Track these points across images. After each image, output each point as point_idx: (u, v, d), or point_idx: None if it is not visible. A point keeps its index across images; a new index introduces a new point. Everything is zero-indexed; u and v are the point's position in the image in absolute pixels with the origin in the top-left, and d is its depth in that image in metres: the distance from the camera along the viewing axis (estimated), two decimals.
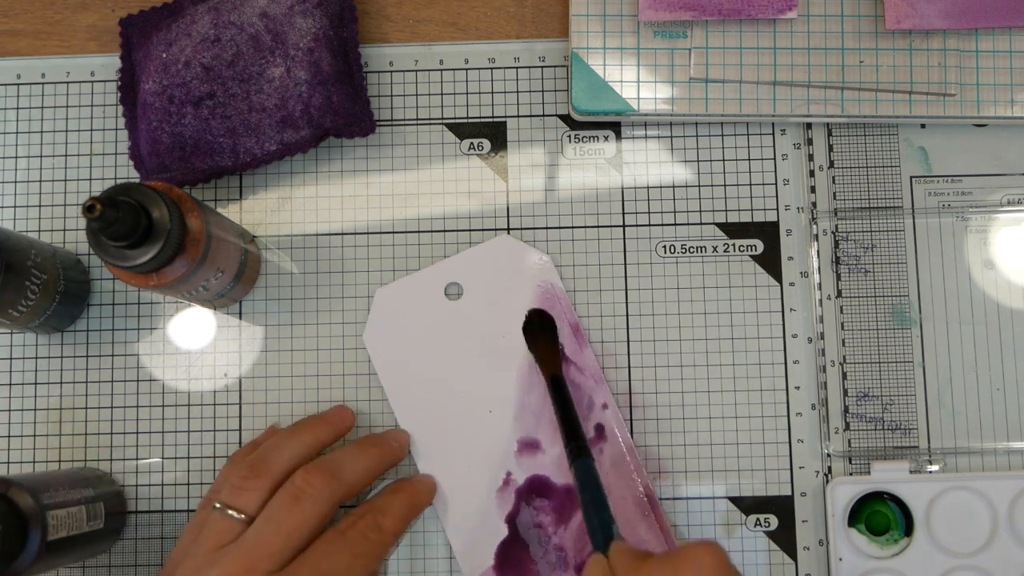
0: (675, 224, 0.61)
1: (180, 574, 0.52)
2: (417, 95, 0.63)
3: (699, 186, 0.62)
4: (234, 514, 0.52)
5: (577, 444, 0.54)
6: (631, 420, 0.60)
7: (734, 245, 0.61)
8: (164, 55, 0.59)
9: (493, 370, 0.59)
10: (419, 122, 0.63)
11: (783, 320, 0.61)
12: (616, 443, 0.59)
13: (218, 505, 0.53)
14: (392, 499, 0.56)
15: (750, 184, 0.62)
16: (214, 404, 0.61)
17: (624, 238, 0.61)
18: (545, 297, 0.60)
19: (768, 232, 0.61)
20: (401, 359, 0.60)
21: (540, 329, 0.59)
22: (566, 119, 0.62)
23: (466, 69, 0.63)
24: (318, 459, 0.55)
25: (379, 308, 0.60)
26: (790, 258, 0.61)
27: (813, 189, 0.61)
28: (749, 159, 0.62)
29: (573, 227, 0.62)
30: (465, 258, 0.61)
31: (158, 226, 0.49)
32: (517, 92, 0.63)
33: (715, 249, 0.61)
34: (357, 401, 0.61)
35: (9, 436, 0.61)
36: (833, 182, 0.61)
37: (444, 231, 0.62)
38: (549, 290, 0.60)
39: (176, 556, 0.53)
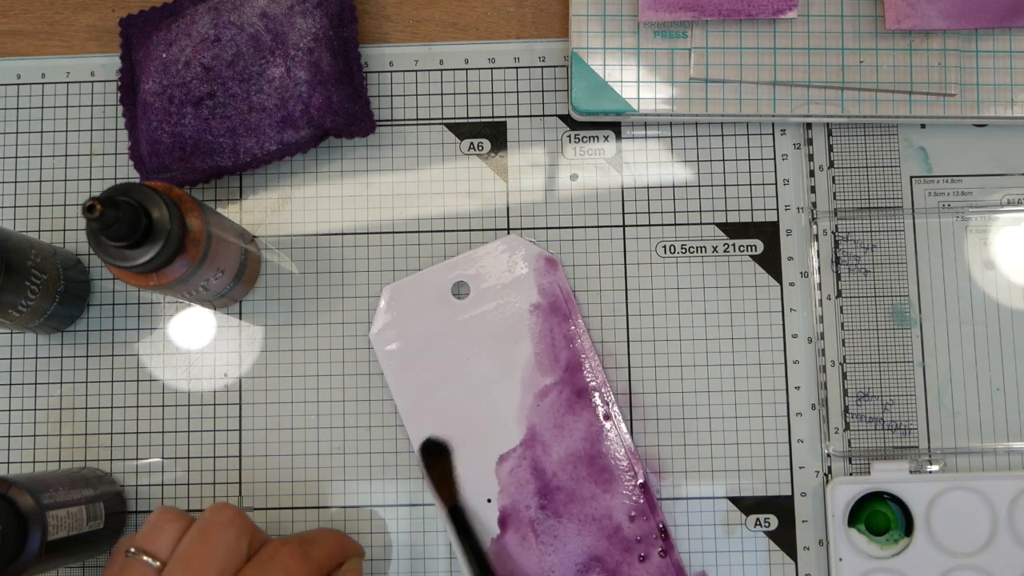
0: (675, 224, 0.61)
1: None
2: (417, 95, 0.63)
3: (699, 186, 0.62)
4: (149, 560, 0.48)
5: None
6: (631, 420, 0.60)
7: (734, 245, 0.61)
8: (164, 55, 0.59)
9: (498, 370, 0.59)
10: (419, 122, 0.63)
11: (783, 320, 0.61)
12: (617, 445, 0.59)
13: (132, 550, 0.49)
14: (322, 532, 0.53)
15: (750, 184, 0.62)
16: (214, 404, 0.61)
17: (624, 238, 0.61)
18: (551, 297, 0.60)
19: (768, 232, 0.61)
20: (407, 357, 0.60)
21: (437, 456, 0.59)
22: (566, 119, 0.62)
23: (466, 69, 0.63)
24: None
25: (386, 306, 0.60)
26: (790, 258, 0.61)
27: (813, 189, 0.61)
28: (749, 159, 0.62)
29: (573, 227, 0.62)
30: (472, 257, 0.61)
31: (158, 226, 0.49)
32: (517, 92, 0.63)
33: (715, 249, 0.61)
34: (357, 401, 0.61)
35: (9, 436, 0.61)
36: (833, 182, 0.61)
37: (444, 231, 0.62)
38: (555, 291, 0.60)
39: None
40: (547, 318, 0.60)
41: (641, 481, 0.58)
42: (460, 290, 0.61)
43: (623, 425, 0.59)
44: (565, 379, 0.59)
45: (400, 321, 0.60)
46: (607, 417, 0.59)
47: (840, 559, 0.58)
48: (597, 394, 0.59)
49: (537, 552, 0.58)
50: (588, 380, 0.59)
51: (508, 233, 0.61)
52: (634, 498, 0.58)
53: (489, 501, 0.59)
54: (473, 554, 0.56)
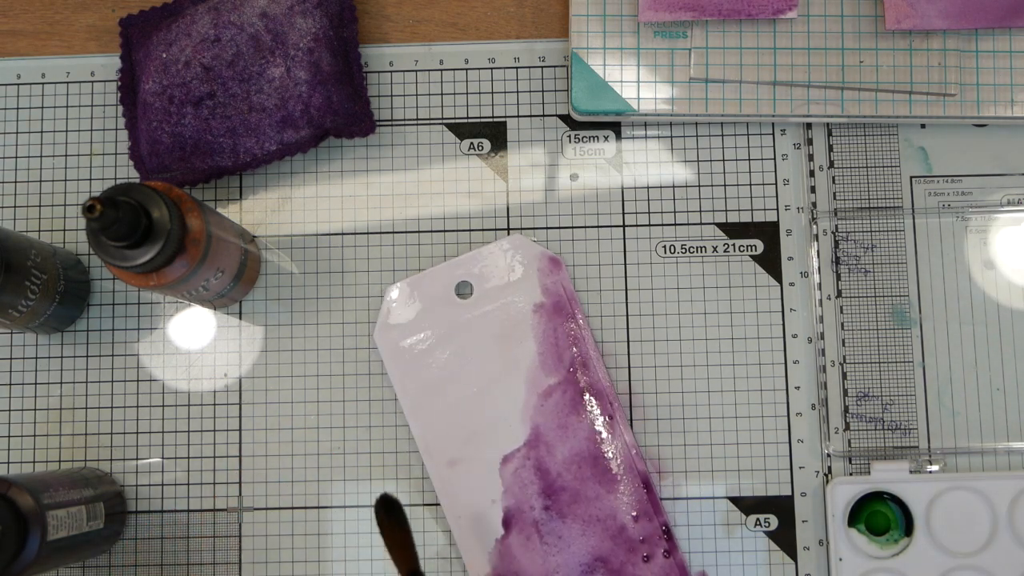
0: (675, 224, 0.61)
1: None
2: (417, 95, 0.63)
3: (699, 186, 0.62)
4: None
5: None
6: (631, 420, 0.60)
7: (734, 245, 0.61)
8: (164, 55, 0.59)
9: (502, 370, 0.59)
10: (419, 122, 0.63)
11: (783, 320, 0.61)
12: (622, 444, 0.59)
13: None
14: None
15: (750, 184, 0.62)
16: (214, 404, 0.61)
17: (624, 238, 0.61)
18: (555, 297, 0.60)
19: (768, 232, 0.61)
20: (411, 357, 0.60)
21: (392, 517, 0.53)
22: (566, 119, 0.62)
23: (466, 69, 0.63)
24: None
25: (390, 305, 0.60)
26: (790, 258, 0.61)
27: (813, 189, 0.61)
28: (749, 159, 0.62)
29: (573, 227, 0.62)
30: (476, 257, 0.61)
31: (158, 226, 0.49)
32: (517, 92, 0.63)
33: (715, 249, 0.61)
34: (357, 401, 0.61)
35: (9, 436, 0.61)
36: (833, 182, 0.61)
37: (444, 231, 0.62)
38: (559, 290, 0.60)
39: None
40: (551, 318, 0.60)
41: (645, 482, 0.58)
42: (464, 290, 0.61)
43: (627, 425, 0.59)
44: (569, 379, 0.59)
45: (404, 321, 0.60)
46: (611, 417, 0.59)
47: (840, 559, 0.58)
48: (601, 394, 0.59)
49: (541, 553, 0.58)
50: (592, 380, 0.59)
51: (508, 233, 0.61)
52: (638, 498, 0.58)
53: (493, 502, 0.58)
54: None
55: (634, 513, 0.58)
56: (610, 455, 0.59)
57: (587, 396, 0.59)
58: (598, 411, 0.59)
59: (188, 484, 0.60)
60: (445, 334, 0.60)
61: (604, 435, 0.59)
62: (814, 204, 0.61)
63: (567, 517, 0.58)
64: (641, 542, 0.58)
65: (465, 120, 0.63)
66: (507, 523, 0.58)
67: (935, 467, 0.59)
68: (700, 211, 0.61)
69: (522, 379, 0.59)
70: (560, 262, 0.60)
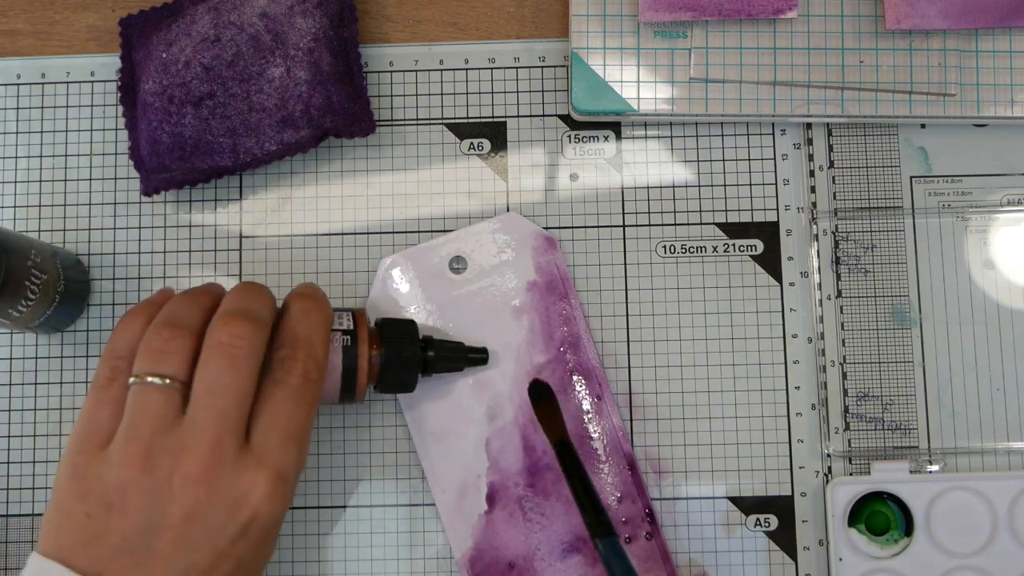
0: (675, 224, 0.61)
1: (123, 471, 0.46)
2: (417, 95, 0.63)
3: (699, 186, 0.62)
4: (168, 383, 0.47)
5: (599, 520, 0.53)
6: (631, 420, 0.60)
7: (734, 245, 0.61)
8: (164, 55, 0.59)
9: (492, 346, 0.59)
10: (419, 122, 0.63)
11: (783, 320, 0.61)
12: (609, 425, 0.59)
13: (138, 378, 0.47)
14: (309, 323, 0.51)
15: (750, 184, 0.62)
16: None
17: (624, 238, 0.61)
18: (548, 276, 0.60)
19: (768, 232, 0.61)
20: None
21: (544, 396, 0.59)
22: (566, 119, 0.62)
23: (466, 69, 0.63)
24: (228, 307, 0.50)
25: (382, 277, 0.60)
26: (790, 258, 0.61)
27: (813, 189, 0.61)
28: (749, 159, 0.62)
29: (573, 227, 0.62)
30: (470, 232, 0.61)
31: None
32: (517, 92, 0.63)
33: (715, 249, 0.61)
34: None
35: (9, 436, 0.61)
36: (833, 182, 0.61)
37: (444, 231, 0.62)
38: (553, 270, 0.60)
39: (86, 451, 0.47)
40: (543, 296, 0.60)
41: (630, 464, 0.58)
42: (457, 265, 0.61)
43: (615, 407, 0.59)
44: (559, 358, 0.59)
45: (396, 294, 0.60)
46: (599, 398, 0.59)
47: (840, 559, 0.58)
48: (590, 374, 0.59)
49: (524, 530, 0.58)
50: (582, 360, 0.59)
51: None
52: (622, 480, 0.58)
53: (478, 477, 0.59)
54: (580, 482, 0.55)
55: (617, 494, 0.58)
56: (596, 436, 0.59)
57: (576, 376, 0.59)
58: (586, 391, 0.59)
59: None
60: (437, 308, 0.60)
61: (591, 415, 0.59)
62: (814, 204, 0.61)
63: (551, 495, 0.58)
64: (623, 523, 0.58)
65: (465, 120, 0.63)
66: (491, 499, 0.58)
67: (935, 467, 0.59)
68: (700, 211, 0.61)
69: (512, 356, 0.59)
70: (554, 241, 0.61)
